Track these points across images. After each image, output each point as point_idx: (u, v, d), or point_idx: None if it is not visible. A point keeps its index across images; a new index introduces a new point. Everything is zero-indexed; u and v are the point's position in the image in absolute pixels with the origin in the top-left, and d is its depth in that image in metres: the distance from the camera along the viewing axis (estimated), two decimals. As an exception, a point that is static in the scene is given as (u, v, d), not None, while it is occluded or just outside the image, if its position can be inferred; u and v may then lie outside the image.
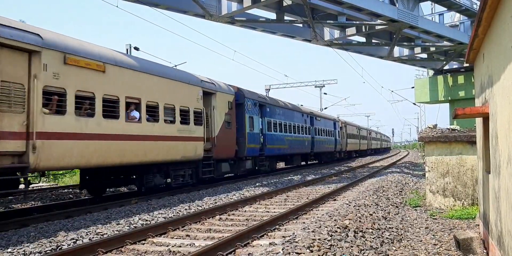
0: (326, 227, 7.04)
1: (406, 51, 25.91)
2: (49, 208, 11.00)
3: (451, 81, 29.70)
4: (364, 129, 54.50)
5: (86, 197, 13.52)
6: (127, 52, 19.15)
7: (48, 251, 6.46)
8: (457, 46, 23.14)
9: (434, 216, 9.64)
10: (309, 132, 28.47)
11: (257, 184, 16.26)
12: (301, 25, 20.22)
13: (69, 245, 6.83)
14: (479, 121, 7.05)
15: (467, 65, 18.16)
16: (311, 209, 10.33)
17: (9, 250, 6.52)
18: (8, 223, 8.58)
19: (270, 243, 6.70)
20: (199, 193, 13.59)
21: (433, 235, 7.74)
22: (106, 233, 7.65)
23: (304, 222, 8.53)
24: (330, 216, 8.20)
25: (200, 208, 10.61)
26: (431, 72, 31.10)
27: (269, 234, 7.60)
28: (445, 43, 23.05)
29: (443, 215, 9.66)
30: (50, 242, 6.99)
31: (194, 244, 6.93)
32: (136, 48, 19.91)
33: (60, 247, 6.74)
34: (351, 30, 20.62)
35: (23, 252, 6.36)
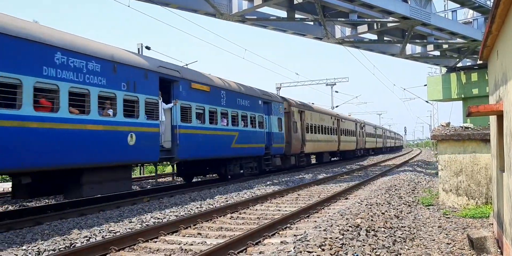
0: (337, 226, 7.01)
1: (418, 49, 25.66)
2: (63, 206, 11.12)
3: (464, 78, 29.33)
4: (347, 119, 37.43)
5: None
6: (138, 52, 19.24)
7: (61, 249, 6.53)
8: (470, 43, 22.85)
9: (447, 215, 9.55)
10: (156, 115, 12.21)
11: (268, 183, 16.26)
12: (312, 23, 20.14)
13: (83, 243, 6.90)
14: (493, 119, 6.96)
15: (481, 62, 17.97)
16: (323, 208, 10.30)
17: (23, 247, 6.61)
18: (22, 221, 8.70)
19: (281, 242, 6.70)
20: (210, 191, 13.63)
21: (446, 234, 7.67)
22: (119, 231, 7.71)
23: (315, 221, 8.51)
24: (341, 215, 8.16)
25: (211, 206, 10.65)
26: (444, 70, 30.76)
27: (280, 232, 7.60)
28: (458, 40, 22.78)
29: (456, 214, 9.57)
30: (64, 239, 7.07)
31: (205, 242, 6.95)
32: (148, 47, 20.00)
33: (73, 244, 6.81)
34: (362, 28, 20.48)
35: (37, 250, 6.44)
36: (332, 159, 35.48)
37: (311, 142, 25.96)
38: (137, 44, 20.17)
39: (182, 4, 15.75)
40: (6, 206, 11.70)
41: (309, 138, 25.55)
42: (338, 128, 33.09)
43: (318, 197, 12.34)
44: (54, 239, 7.10)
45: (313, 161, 32.34)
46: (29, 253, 6.31)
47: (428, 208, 10.54)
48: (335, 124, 32.47)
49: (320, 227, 6.99)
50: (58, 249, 6.54)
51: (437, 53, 26.68)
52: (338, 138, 32.77)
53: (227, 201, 11.56)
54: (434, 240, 7.32)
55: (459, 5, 22.35)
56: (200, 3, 15.79)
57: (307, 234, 6.54)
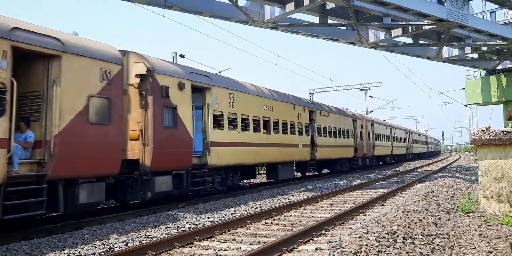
0: (373, 232, 6.91)
1: (455, 51, 25.02)
2: (102, 212, 11.44)
3: (504, 81, 28.36)
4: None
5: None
6: (173, 60, 19.60)
7: (101, 253, 6.73)
8: (510, 44, 22.11)
9: (488, 222, 9.24)
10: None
11: (302, 189, 16.19)
12: (345, 27, 20.01)
13: (121, 247, 7.08)
14: (535, 123, 6.72)
15: (522, 64, 17.31)
16: (358, 214, 10.16)
17: (65, 251, 6.84)
18: (64, 225, 9.01)
19: (316, 248, 6.67)
20: (244, 197, 13.70)
21: (487, 242, 7.42)
22: (156, 236, 7.86)
23: (351, 228, 8.41)
24: (377, 222, 8.03)
25: (245, 212, 10.70)
26: (483, 72, 29.85)
27: (315, 239, 7.55)
28: (498, 41, 22.07)
29: (498, 222, 9.24)
30: (103, 244, 7.27)
31: (240, 248, 6.99)
32: (182, 56, 20.33)
33: (112, 249, 6.99)
34: (397, 31, 20.17)
35: (78, 254, 6.65)
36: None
37: None
38: (172, 52, 20.57)
39: (215, 12, 16.00)
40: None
41: None
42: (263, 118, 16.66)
43: (353, 203, 12.19)
44: (94, 244, 7.32)
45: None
46: (71, 257, 6.53)
47: (468, 215, 10.23)
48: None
49: (356, 234, 6.90)
50: (98, 253, 6.73)
51: (475, 55, 25.93)
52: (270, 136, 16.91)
53: (261, 207, 11.58)
54: (474, 248, 7.10)
55: (498, 6, 21.69)
56: (233, 11, 15.99)
57: (342, 240, 6.47)
